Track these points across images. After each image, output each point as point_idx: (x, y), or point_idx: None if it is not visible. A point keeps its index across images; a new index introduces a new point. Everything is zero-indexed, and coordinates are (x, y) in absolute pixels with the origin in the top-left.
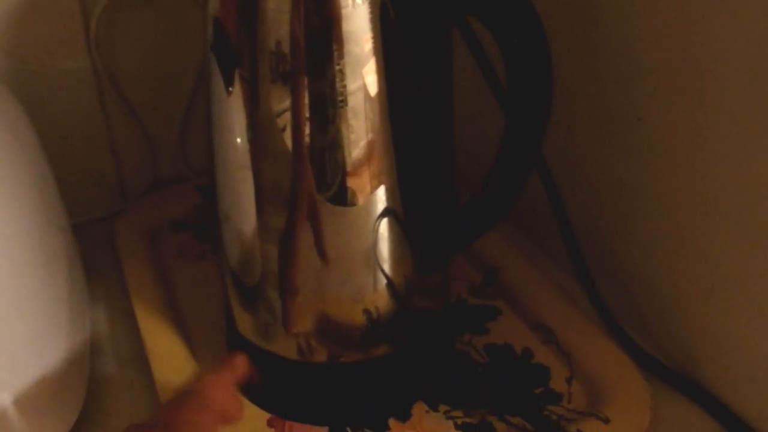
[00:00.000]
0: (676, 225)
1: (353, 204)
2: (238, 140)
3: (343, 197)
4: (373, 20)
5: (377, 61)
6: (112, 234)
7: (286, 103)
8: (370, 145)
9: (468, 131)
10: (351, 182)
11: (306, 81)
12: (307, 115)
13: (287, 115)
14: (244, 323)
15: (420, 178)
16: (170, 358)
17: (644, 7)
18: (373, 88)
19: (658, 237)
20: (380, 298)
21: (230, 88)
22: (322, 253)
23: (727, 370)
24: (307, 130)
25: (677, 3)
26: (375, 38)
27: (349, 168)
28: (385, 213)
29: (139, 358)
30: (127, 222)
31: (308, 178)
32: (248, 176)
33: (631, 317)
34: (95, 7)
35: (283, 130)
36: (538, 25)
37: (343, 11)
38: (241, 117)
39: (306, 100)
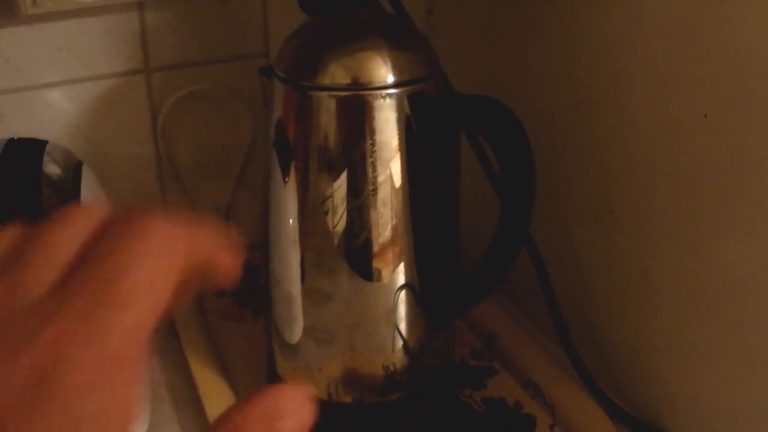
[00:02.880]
0: (646, 300)
1: (378, 280)
2: (291, 220)
3: (370, 273)
4: (399, 128)
5: (402, 162)
6: None
7: (330, 190)
8: (394, 228)
9: (471, 217)
10: (377, 260)
11: (346, 176)
12: (346, 201)
13: (330, 201)
14: (283, 367)
15: (432, 256)
16: (220, 400)
17: (618, 120)
18: (397, 180)
19: (631, 309)
20: (397, 353)
21: (286, 178)
22: (352, 315)
23: (684, 420)
24: (345, 215)
25: (645, 116)
26: (400, 141)
27: (376, 248)
28: (404, 285)
29: (192, 401)
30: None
31: (344, 255)
32: (297, 249)
33: (606, 376)
34: (162, 104)
35: (326, 213)
36: (523, 137)
37: (377, 124)
38: (294, 202)
39: (345, 188)
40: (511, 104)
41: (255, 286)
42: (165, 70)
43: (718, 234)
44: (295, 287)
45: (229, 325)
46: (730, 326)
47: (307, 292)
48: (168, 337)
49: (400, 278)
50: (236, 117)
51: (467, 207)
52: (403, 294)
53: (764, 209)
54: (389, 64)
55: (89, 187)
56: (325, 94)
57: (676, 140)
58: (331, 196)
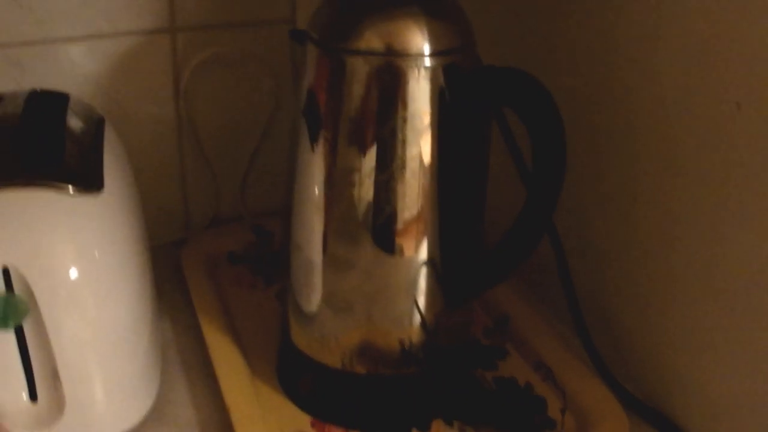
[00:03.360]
0: (664, 290)
1: (401, 253)
2: (316, 188)
3: (393, 246)
4: (431, 99)
5: (432, 135)
6: (176, 259)
7: (359, 160)
8: (420, 202)
9: (494, 198)
10: (401, 233)
11: (375, 145)
12: (374, 172)
13: (358, 171)
14: (299, 336)
15: (456, 233)
16: (230, 363)
17: (646, 106)
18: (426, 153)
19: (648, 298)
20: (414, 328)
21: (315, 145)
22: (372, 286)
23: (694, 409)
24: (372, 186)
25: (675, 103)
26: (432, 113)
27: (401, 221)
28: (425, 261)
29: (203, 364)
30: (191, 250)
31: (368, 227)
32: (321, 217)
33: (619, 363)
34: (186, 65)
35: (353, 184)
36: (556, 113)
37: (409, 93)
38: (321, 169)
39: (374, 159)
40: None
41: (269, 254)
42: (190, 30)
43: (742, 226)
44: (317, 254)
45: (242, 291)
46: (749, 319)
47: (329, 260)
48: (180, 300)
49: (423, 253)
50: (259, 82)
51: (491, 187)
52: (424, 269)
53: None
54: (425, 33)
55: (111, 143)
56: (359, 58)
57: (705, 129)
58: (360, 166)
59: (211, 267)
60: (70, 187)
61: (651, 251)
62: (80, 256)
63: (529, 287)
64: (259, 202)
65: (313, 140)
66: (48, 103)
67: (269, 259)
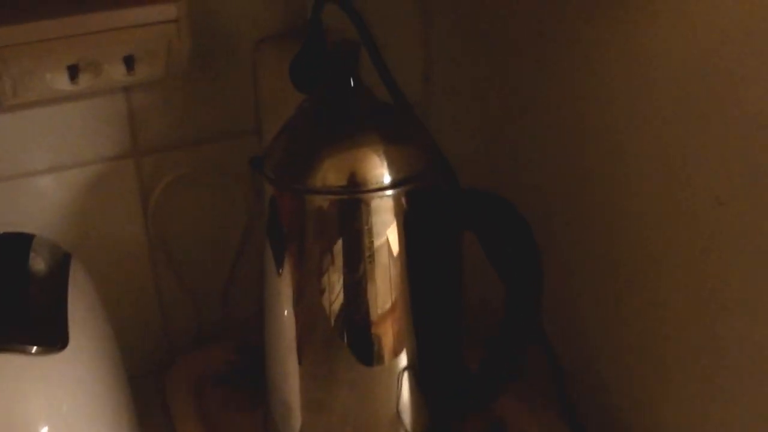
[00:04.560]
0: (660, 382)
1: (379, 363)
2: (285, 314)
3: (370, 359)
4: (397, 227)
5: (399, 256)
6: (159, 386)
7: (326, 290)
8: (395, 329)
9: (473, 303)
10: (376, 347)
11: (343, 272)
12: (342, 296)
13: (326, 302)
14: None
15: (435, 354)
16: None
17: (626, 200)
18: (395, 277)
19: (645, 391)
20: None
21: (280, 270)
22: (352, 403)
23: None
24: (341, 307)
25: (654, 199)
26: (399, 238)
27: (374, 335)
28: (405, 372)
29: None
30: (174, 376)
31: (342, 346)
32: (294, 357)
33: None
34: (153, 188)
35: (321, 306)
36: (530, 238)
37: (373, 223)
38: (289, 303)
39: (341, 288)
40: (512, 175)
41: (253, 369)
42: (154, 153)
43: (729, 314)
44: (292, 386)
45: (228, 415)
46: (752, 409)
47: (304, 386)
48: (161, 427)
49: (400, 366)
50: (230, 196)
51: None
52: (405, 384)
53: None
54: (385, 163)
55: (78, 283)
56: (317, 196)
57: (686, 223)
58: (327, 295)
59: (196, 392)
60: (34, 348)
61: (642, 344)
62: (49, 413)
63: (523, 387)
64: (243, 315)
65: (279, 267)
66: (10, 249)
67: (254, 376)
